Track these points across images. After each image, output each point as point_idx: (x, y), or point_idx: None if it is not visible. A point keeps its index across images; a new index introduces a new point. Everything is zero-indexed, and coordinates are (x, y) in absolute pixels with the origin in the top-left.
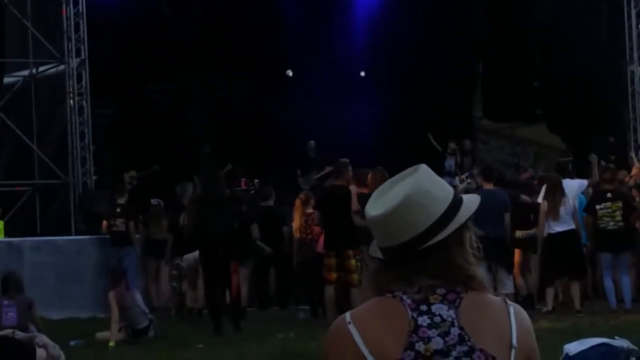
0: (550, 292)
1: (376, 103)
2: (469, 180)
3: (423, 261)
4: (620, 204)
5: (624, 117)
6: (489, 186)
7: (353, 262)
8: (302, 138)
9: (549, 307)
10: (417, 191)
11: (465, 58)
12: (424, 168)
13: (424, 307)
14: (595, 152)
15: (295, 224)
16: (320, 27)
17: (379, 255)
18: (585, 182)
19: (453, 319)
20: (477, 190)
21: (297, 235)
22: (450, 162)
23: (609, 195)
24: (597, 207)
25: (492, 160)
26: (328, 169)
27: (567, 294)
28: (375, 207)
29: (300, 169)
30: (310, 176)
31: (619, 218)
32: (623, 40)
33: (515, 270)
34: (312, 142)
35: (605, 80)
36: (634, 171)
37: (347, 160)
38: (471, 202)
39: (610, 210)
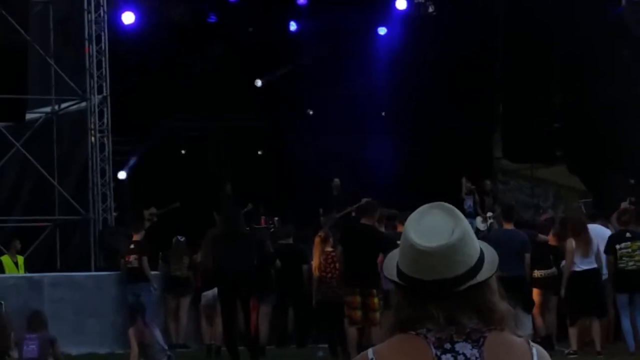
0: (573, 332)
1: (396, 143)
2: (491, 220)
3: (452, 299)
4: None
5: None
6: (509, 226)
7: (376, 300)
8: (321, 176)
9: (574, 348)
10: (469, 230)
11: (485, 99)
12: (454, 208)
13: (447, 346)
14: (615, 194)
15: (315, 262)
16: (342, 65)
17: (396, 278)
18: (607, 231)
19: (477, 357)
20: (499, 230)
21: (316, 273)
22: (469, 203)
23: (628, 235)
24: (617, 247)
25: (512, 200)
26: (350, 208)
27: (588, 334)
28: (427, 238)
29: (323, 208)
30: (332, 214)
31: (638, 258)
32: None
33: (535, 310)
34: (337, 180)
35: (625, 122)
36: None
37: (375, 200)
38: (491, 251)
39: (630, 250)
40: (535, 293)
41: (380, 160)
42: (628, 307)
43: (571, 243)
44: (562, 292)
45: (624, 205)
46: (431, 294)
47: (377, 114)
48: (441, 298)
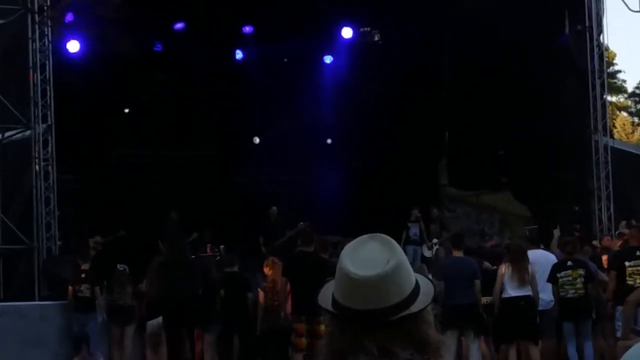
0: (512, 353)
1: (342, 170)
2: (437, 247)
3: (385, 330)
4: (581, 272)
5: (589, 186)
6: (458, 253)
7: (322, 327)
8: (266, 205)
9: None
10: (404, 261)
11: (431, 126)
12: (391, 240)
13: None
14: (560, 221)
15: (269, 288)
16: (288, 93)
17: (330, 307)
18: (553, 257)
19: None
20: (449, 258)
21: (264, 301)
22: (414, 230)
23: (569, 263)
24: (558, 275)
25: (458, 227)
26: (289, 233)
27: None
28: (361, 267)
29: (263, 235)
30: (273, 242)
31: (579, 286)
32: (588, 110)
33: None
34: (275, 208)
35: (570, 149)
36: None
37: (309, 226)
38: (427, 283)
39: (570, 278)
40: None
41: (326, 187)
42: (574, 335)
43: (502, 269)
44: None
45: (557, 233)
46: (365, 323)
47: (323, 141)
48: (375, 328)
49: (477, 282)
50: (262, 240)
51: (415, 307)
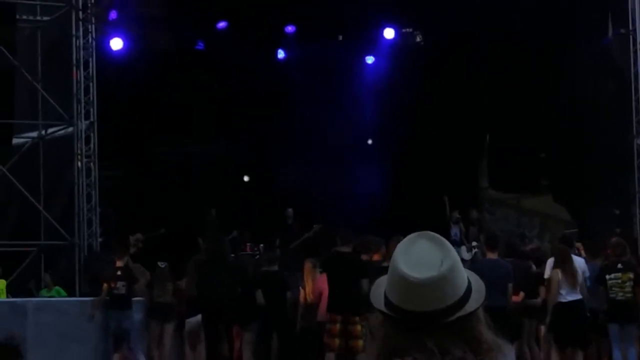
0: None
1: (383, 171)
2: (475, 250)
3: (441, 330)
4: (630, 275)
5: (630, 189)
6: (493, 256)
7: (359, 327)
8: (305, 205)
9: None
10: (457, 260)
11: (472, 128)
12: (441, 237)
13: None
14: (600, 224)
15: (308, 288)
16: (329, 93)
17: (383, 308)
18: (582, 260)
19: None
20: (482, 260)
21: (310, 297)
22: (455, 231)
23: (619, 266)
24: (607, 277)
25: (497, 230)
26: (305, 235)
27: None
28: (417, 269)
29: (279, 237)
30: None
31: (628, 289)
32: (630, 114)
33: (522, 340)
34: (290, 210)
35: (611, 153)
36: None
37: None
38: (478, 280)
39: (619, 281)
40: (527, 323)
41: (366, 188)
42: (619, 337)
43: (557, 274)
44: (547, 321)
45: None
46: (420, 325)
47: (363, 142)
48: (430, 329)
49: (510, 286)
50: (277, 243)
51: (469, 307)
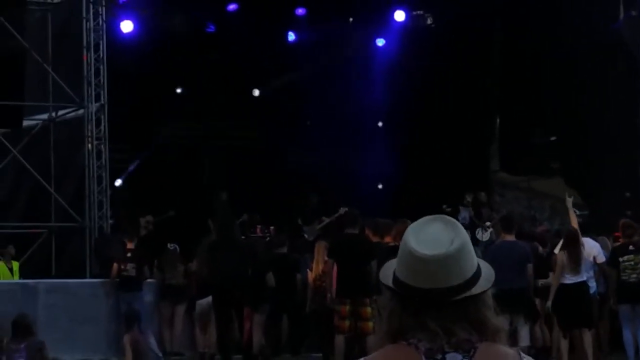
0: (564, 344)
1: (393, 154)
2: (491, 229)
3: (446, 310)
4: None
5: (639, 172)
6: (510, 237)
7: (369, 309)
8: (316, 186)
9: None
10: (468, 243)
11: (483, 111)
12: (455, 221)
13: (438, 356)
14: (611, 207)
15: (316, 269)
16: (340, 76)
17: (391, 284)
18: (594, 242)
19: None
20: (499, 242)
21: (313, 282)
22: (464, 215)
23: (631, 247)
24: (620, 259)
25: (508, 212)
26: (328, 219)
27: (581, 346)
28: (426, 246)
29: (302, 219)
30: (313, 226)
31: None
32: (638, 96)
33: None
34: (314, 194)
35: (621, 136)
36: None
37: (353, 211)
38: (489, 268)
39: (632, 262)
40: (538, 303)
41: (376, 171)
42: (630, 319)
43: (562, 255)
44: (549, 304)
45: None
46: (426, 302)
47: (374, 125)
48: (436, 307)
49: (529, 266)
50: (300, 222)
51: (475, 290)
